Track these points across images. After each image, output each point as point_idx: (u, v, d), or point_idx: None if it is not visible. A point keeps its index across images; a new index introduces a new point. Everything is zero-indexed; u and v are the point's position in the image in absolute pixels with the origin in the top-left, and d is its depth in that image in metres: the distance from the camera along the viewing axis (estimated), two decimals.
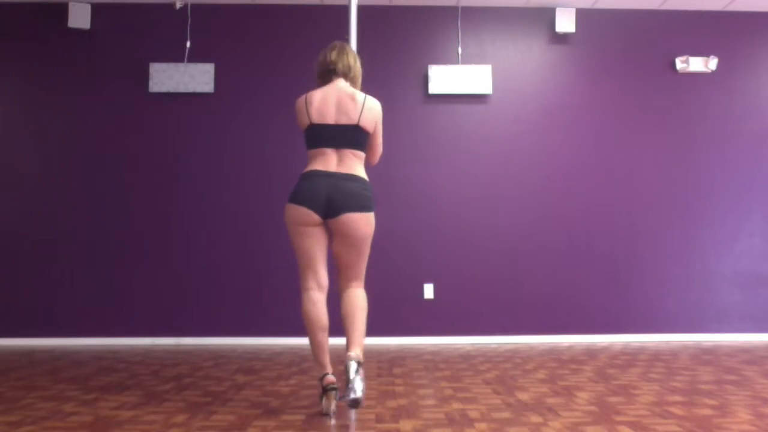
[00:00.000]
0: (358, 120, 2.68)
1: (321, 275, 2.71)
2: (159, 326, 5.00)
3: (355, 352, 2.54)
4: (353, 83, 2.81)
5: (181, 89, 5.10)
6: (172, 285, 5.04)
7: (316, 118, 2.68)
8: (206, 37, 5.23)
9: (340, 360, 4.12)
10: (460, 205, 5.15)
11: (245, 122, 5.18)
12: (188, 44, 5.19)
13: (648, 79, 5.30)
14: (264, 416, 2.60)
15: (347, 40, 3.16)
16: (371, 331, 4.99)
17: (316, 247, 2.66)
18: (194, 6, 5.24)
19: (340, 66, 2.77)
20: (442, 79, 5.14)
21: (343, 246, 2.67)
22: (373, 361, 4.06)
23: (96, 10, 5.19)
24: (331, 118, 2.68)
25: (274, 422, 2.50)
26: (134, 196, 5.10)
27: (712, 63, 5.23)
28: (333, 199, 2.59)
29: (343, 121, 2.68)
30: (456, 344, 4.91)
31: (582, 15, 5.31)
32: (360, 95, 2.72)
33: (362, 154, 2.72)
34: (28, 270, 5.02)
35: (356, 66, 2.82)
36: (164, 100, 5.17)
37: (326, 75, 2.79)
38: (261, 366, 3.89)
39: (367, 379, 3.44)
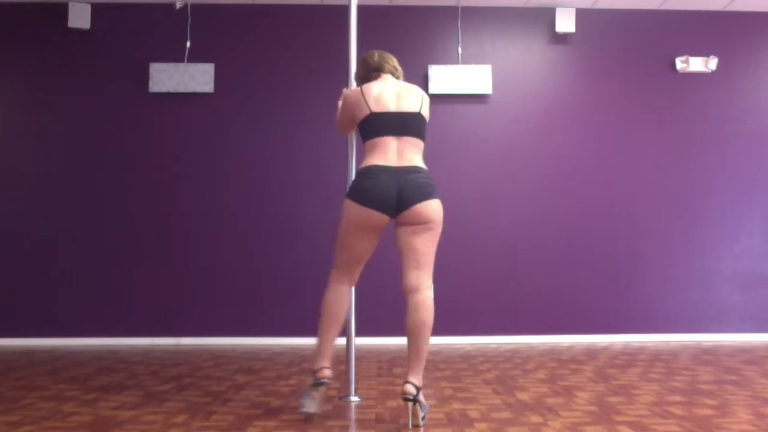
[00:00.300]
0: (420, 108, 2.66)
1: (357, 274, 2.69)
2: (159, 326, 5.00)
3: (413, 384, 2.41)
4: None
5: (181, 89, 5.10)
6: (172, 285, 5.04)
7: (376, 107, 2.62)
8: (206, 37, 5.23)
9: (340, 360, 4.12)
10: (460, 204, 5.15)
11: (245, 122, 5.18)
12: (188, 44, 5.19)
13: (648, 79, 5.30)
14: (264, 416, 2.60)
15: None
16: (371, 331, 4.99)
17: (368, 251, 2.62)
18: (194, 6, 5.24)
19: (386, 66, 2.79)
20: (442, 79, 5.14)
21: (415, 235, 2.54)
22: (373, 361, 4.06)
23: (96, 10, 5.19)
24: (393, 106, 2.63)
25: (274, 422, 2.50)
26: (134, 196, 5.10)
27: (712, 63, 5.23)
28: (402, 195, 2.51)
29: (405, 108, 2.64)
30: (456, 344, 4.91)
31: (582, 15, 5.31)
32: (417, 87, 2.73)
33: (422, 144, 2.66)
34: (28, 270, 5.02)
35: (400, 68, 2.86)
36: (164, 100, 5.17)
37: (373, 75, 2.79)
38: (261, 366, 3.89)
39: (366, 379, 3.45)
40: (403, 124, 2.61)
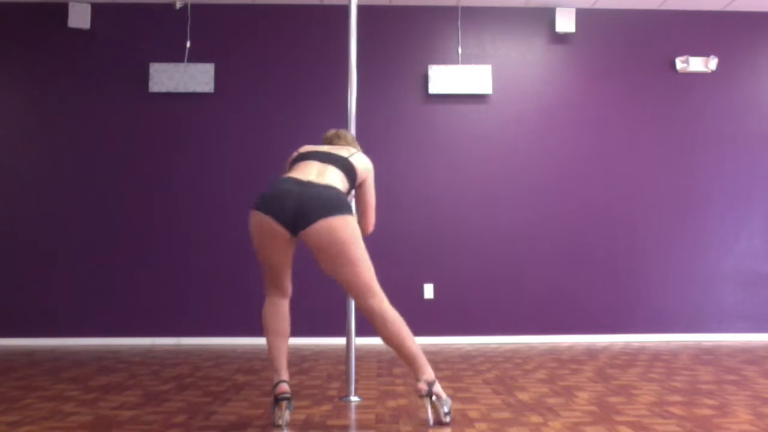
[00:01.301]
0: (349, 157, 2.62)
1: (284, 285, 2.55)
2: (159, 326, 5.00)
3: (422, 381, 2.41)
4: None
5: (181, 89, 5.10)
6: (172, 285, 5.04)
7: (304, 150, 2.65)
8: (206, 37, 5.23)
9: (340, 360, 4.12)
10: (460, 204, 5.15)
11: (245, 122, 5.18)
12: (188, 44, 5.19)
13: (648, 79, 5.30)
14: (263, 416, 2.60)
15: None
16: (372, 331, 4.99)
17: (282, 263, 2.47)
18: (194, 6, 5.24)
19: (334, 139, 2.86)
20: (442, 79, 5.14)
21: (328, 260, 2.38)
22: (373, 361, 4.06)
23: (96, 10, 5.19)
24: (320, 149, 2.65)
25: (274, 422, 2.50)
26: (134, 196, 5.10)
27: (712, 63, 5.23)
28: (304, 207, 2.33)
29: (334, 151, 2.64)
30: (456, 344, 4.91)
31: (582, 15, 5.31)
32: (357, 150, 2.72)
33: (347, 183, 2.56)
34: (29, 270, 5.02)
35: (352, 139, 2.90)
36: (164, 100, 5.17)
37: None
38: (261, 366, 3.89)
39: (366, 379, 3.45)
40: (330, 158, 2.58)
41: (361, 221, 2.83)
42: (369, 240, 5.04)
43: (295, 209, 2.35)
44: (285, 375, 2.48)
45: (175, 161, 5.14)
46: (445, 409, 2.44)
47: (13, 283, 5.01)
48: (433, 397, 2.42)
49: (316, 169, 2.53)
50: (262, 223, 2.38)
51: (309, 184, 2.40)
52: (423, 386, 2.41)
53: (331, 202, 2.35)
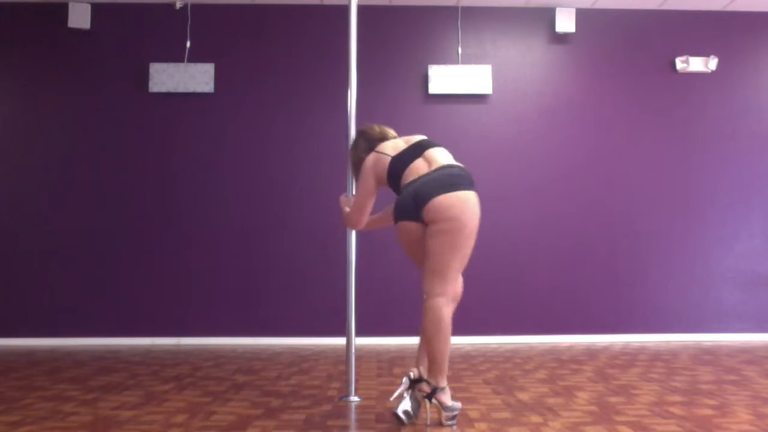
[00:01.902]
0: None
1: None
2: (159, 326, 5.00)
3: (428, 381, 2.48)
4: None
5: (181, 89, 5.10)
6: (172, 285, 5.04)
7: (394, 153, 2.68)
8: (206, 37, 5.22)
9: (340, 360, 4.11)
10: None
11: (245, 122, 5.18)
12: (188, 44, 5.19)
13: (648, 79, 5.30)
14: (264, 416, 2.60)
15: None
16: (371, 331, 4.98)
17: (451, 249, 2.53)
18: (194, 6, 5.24)
19: (389, 134, 2.86)
20: (442, 79, 5.14)
21: (430, 237, 2.49)
22: (373, 361, 4.06)
23: (96, 10, 5.19)
24: (404, 147, 2.70)
25: (274, 422, 2.50)
26: (134, 196, 5.10)
27: (712, 63, 5.23)
28: (418, 194, 2.48)
29: (414, 142, 2.71)
30: (456, 344, 4.91)
31: (582, 15, 5.31)
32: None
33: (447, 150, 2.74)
34: (28, 270, 5.02)
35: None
36: (164, 100, 5.17)
37: (380, 141, 2.83)
38: (261, 366, 3.89)
39: (366, 379, 3.45)
40: (420, 148, 2.65)
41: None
42: (369, 240, 5.04)
43: (413, 197, 2.54)
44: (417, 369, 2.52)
45: (174, 161, 5.14)
46: (446, 414, 2.45)
47: (13, 283, 5.01)
48: (433, 401, 2.44)
49: (423, 164, 2.62)
50: (402, 228, 2.60)
51: (425, 175, 2.53)
52: (426, 387, 2.44)
53: (451, 180, 2.51)
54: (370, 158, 2.73)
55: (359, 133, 2.89)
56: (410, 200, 2.49)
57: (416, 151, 2.64)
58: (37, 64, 5.17)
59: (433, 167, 2.55)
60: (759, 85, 5.31)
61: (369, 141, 2.82)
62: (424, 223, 2.52)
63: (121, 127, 5.15)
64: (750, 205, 5.22)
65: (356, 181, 2.87)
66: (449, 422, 2.45)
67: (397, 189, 2.65)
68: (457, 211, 2.44)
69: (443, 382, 2.46)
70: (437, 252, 2.47)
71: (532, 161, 5.21)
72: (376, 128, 2.86)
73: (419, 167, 2.58)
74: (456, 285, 2.59)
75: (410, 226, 2.53)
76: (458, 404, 2.51)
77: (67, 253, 5.03)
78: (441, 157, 2.61)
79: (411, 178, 2.55)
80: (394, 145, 2.71)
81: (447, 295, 2.51)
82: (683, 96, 5.29)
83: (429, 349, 2.47)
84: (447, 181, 2.47)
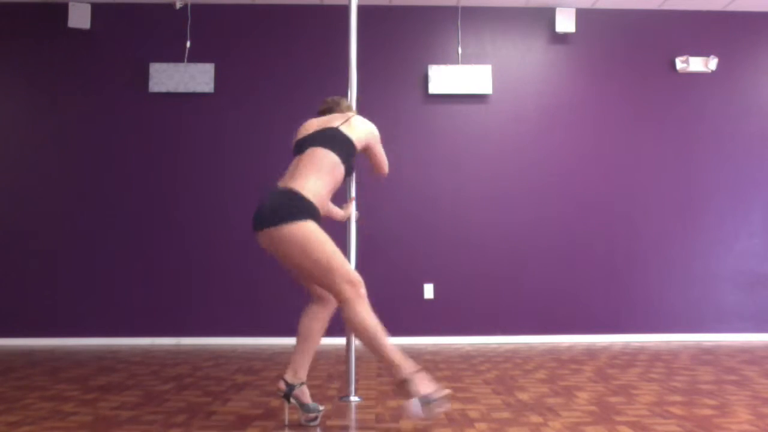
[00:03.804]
0: (340, 126, 2.55)
1: (312, 290, 2.56)
2: (159, 326, 5.00)
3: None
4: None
5: (181, 89, 5.10)
6: (172, 285, 5.04)
7: (299, 136, 2.61)
8: (206, 37, 5.22)
9: (340, 360, 4.12)
10: (460, 205, 5.15)
11: (245, 122, 5.18)
12: (188, 44, 5.19)
13: (648, 79, 5.30)
14: (264, 416, 2.60)
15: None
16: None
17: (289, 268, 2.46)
18: (194, 6, 5.24)
19: (334, 107, 2.78)
20: (442, 79, 5.14)
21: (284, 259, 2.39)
22: (373, 361, 4.06)
23: (96, 10, 5.19)
24: (311, 130, 2.59)
25: (274, 422, 2.50)
26: (134, 196, 5.10)
27: (712, 63, 5.23)
28: (255, 221, 2.39)
29: (326, 125, 2.57)
30: (456, 344, 4.91)
31: (582, 15, 5.31)
32: (352, 114, 2.67)
33: (328, 153, 2.45)
34: (29, 270, 5.02)
35: (347, 105, 2.83)
36: (164, 100, 5.17)
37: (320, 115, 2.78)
38: (261, 366, 3.89)
39: (366, 379, 3.45)
40: (312, 140, 2.51)
41: (375, 169, 2.81)
42: (370, 240, 5.04)
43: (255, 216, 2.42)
44: (287, 374, 2.49)
45: (175, 161, 5.14)
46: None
47: (13, 283, 5.01)
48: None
49: (294, 166, 2.50)
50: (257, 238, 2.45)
51: (272, 194, 2.39)
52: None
53: (277, 213, 2.31)
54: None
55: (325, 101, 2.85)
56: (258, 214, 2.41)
57: (297, 150, 2.56)
58: (37, 64, 5.17)
59: (286, 184, 2.41)
60: (759, 85, 5.31)
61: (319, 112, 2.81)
62: None
63: (121, 127, 5.15)
64: (750, 205, 5.22)
65: None
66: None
67: None
68: (284, 246, 2.33)
69: (404, 372, 2.23)
70: (303, 269, 2.39)
71: (532, 161, 5.21)
72: (325, 104, 2.79)
73: (290, 170, 2.51)
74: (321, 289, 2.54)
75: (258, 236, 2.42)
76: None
77: (67, 253, 5.03)
78: (302, 170, 2.43)
79: (282, 180, 2.48)
80: (306, 126, 2.63)
81: (345, 293, 2.32)
82: (683, 96, 5.29)
83: (370, 350, 2.34)
84: (278, 214, 2.31)
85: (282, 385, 2.47)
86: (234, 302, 5.03)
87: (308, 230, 2.32)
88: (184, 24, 5.21)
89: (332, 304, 2.57)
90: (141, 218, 5.08)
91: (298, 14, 5.26)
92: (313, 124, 2.62)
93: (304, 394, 2.48)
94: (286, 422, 2.48)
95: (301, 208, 2.33)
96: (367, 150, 2.71)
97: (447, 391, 2.29)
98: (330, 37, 5.23)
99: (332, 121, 2.60)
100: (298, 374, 2.49)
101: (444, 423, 2.46)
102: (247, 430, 2.38)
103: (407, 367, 2.24)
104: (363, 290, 2.33)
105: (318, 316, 2.55)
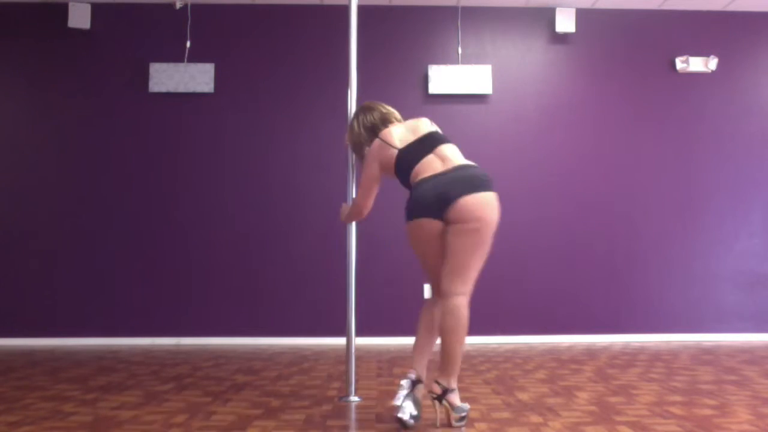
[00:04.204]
0: (432, 128, 2.72)
1: (436, 283, 2.64)
2: (159, 326, 5.00)
3: (440, 382, 2.48)
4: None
5: (181, 89, 5.10)
6: (172, 285, 5.03)
7: (401, 145, 2.64)
8: (206, 37, 5.22)
9: (340, 360, 4.11)
10: None
11: (245, 122, 5.18)
12: (188, 44, 5.19)
13: (648, 79, 5.30)
14: (264, 416, 2.60)
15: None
16: (371, 331, 4.97)
17: (433, 251, 2.55)
18: (194, 6, 5.24)
19: (392, 116, 2.83)
20: (442, 79, 5.14)
21: (454, 235, 2.46)
22: (373, 361, 4.06)
23: (96, 10, 5.19)
24: (412, 138, 2.65)
25: (274, 422, 2.50)
26: (134, 196, 5.10)
27: (712, 63, 5.23)
28: (443, 193, 2.44)
29: (422, 133, 2.67)
30: None
31: (582, 15, 5.31)
32: (422, 119, 2.78)
33: (456, 147, 2.69)
34: (29, 270, 5.02)
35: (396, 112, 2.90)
36: (164, 100, 5.17)
37: (382, 126, 2.80)
38: (261, 366, 3.89)
39: (366, 379, 3.45)
40: (431, 143, 2.61)
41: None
42: (370, 240, 5.03)
43: (437, 196, 2.48)
44: (416, 372, 2.51)
45: (174, 161, 5.14)
46: (456, 416, 2.43)
47: (13, 283, 5.01)
48: (444, 402, 2.43)
49: (436, 159, 2.57)
50: (415, 227, 2.54)
51: (445, 173, 2.49)
52: (437, 388, 2.44)
53: (473, 181, 2.47)
54: (375, 145, 2.70)
55: (360, 110, 2.84)
56: (432, 198, 2.45)
57: (426, 145, 2.60)
58: (37, 64, 5.17)
59: (449, 166, 2.51)
60: (759, 85, 5.31)
61: (371, 125, 2.79)
62: (444, 222, 2.47)
63: (121, 127, 5.15)
64: (750, 205, 5.22)
65: (357, 158, 2.86)
66: (458, 423, 2.44)
67: (405, 182, 2.63)
68: (483, 212, 2.43)
69: (455, 383, 2.46)
70: (461, 251, 2.45)
71: (532, 161, 5.21)
72: (377, 111, 2.82)
73: (433, 164, 2.54)
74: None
75: (429, 223, 2.48)
76: (467, 405, 2.48)
77: (67, 253, 5.03)
78: (455, 155, 2.58)
79: (425, 175, 2.51)
80: (399, 136, 2.66)
81: (467, 295, 2.49)
82: (683, 96, 5.29)
83: (446, 349, 2.43)
84: (472, 182, 2.44)
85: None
86: (234, 302, 5.03)
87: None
88: (184, 24, 5.21)
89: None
90: (141, 218, 5.08)
91: (298, 14, 5.26)
92: (412, 127, 2.70)
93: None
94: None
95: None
96: None
97: (468, 409, 2.47)
98: (330, 37, 5.22)
99: (423, 124, 2.71)
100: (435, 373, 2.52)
101: (444, 423, 2.46)
102: (247, 430, 2.38)
103: (455, 381, 2.46)
104: None
105: (436, 311, 2.60)
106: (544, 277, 5.11)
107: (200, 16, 5.23)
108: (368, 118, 2.81)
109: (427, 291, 5.06)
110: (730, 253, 5.18)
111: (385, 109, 2.85)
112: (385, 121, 2.80)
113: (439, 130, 2.72)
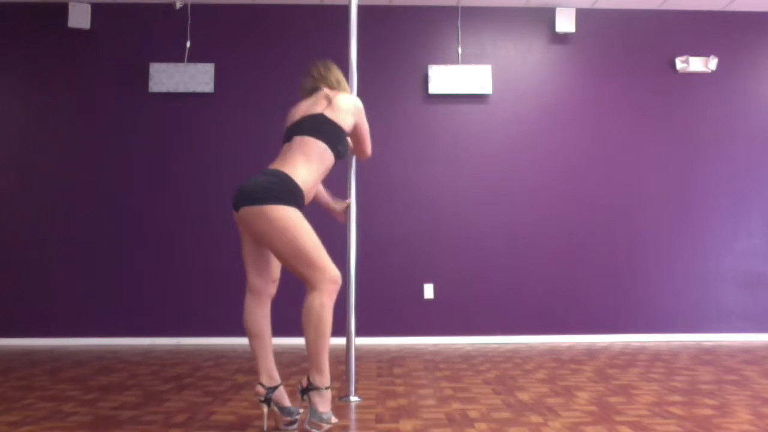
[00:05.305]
0: (323, 110, 2.50)
1: (252, 278, 2.53)
2: (159, 326, 5.00)
3: (306, 378, 2.31)
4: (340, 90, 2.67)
5: (181, 89, 5.10)
6: (172, 285, 5.04)
7: (287, 123, 2.59)
8: (206, 37, 5.22)
9: (340, 360, 4.12)
10: (460, 205, 5.15)
11: (245, 122, 5.18)
12: (188, 44, 5.19)
13: (648, 79, 5.30)
14: (263, 416, 2.59)
15: None
16: (371, 331, 4.98)
17: (245, 248, 2.46)
18: (194, 6, 5.24)
19: (321, 83, 2.66)
20: (442, 79, 5.14)
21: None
22: (373, 361, 4.06)
23: (96, 10, 5.19)
24: (297, 116, 2.55)
25: (274, 422, 2.50)
26: (134, 196, 5.10)
27: (712, 63, 5.23)
28: (238, 195, 2.37)
29: (309, 112, 2.52)
30: (456, 344, 4.91)
31: (582, 15, 5.31)
32: (335, 93, 2.58)
33: (316, 142, 2.43)
34: (29, 270, 5.02)
35: (336, 77, 2.70)
36: (164, 100, 5.17)
37: (306, 95, 2.69)
38: None
39: (366, 379, 3.44)
40: (298, 128, 2.48)
41: (358, 151, 2.83)
42: (370, 240, 5.03)
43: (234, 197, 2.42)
44: (262, 376, 2.42)
45: (175, 161, 5.14)
46: (314, 419, 2.25)
47: (13, 283, 5.01)
48: (305, 399, 2.30)
49: (282, 153, 2.50)
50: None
51: (259, 173, 2.42)
52: (305, 382, 2.30)
53: (256, 192, 2.30)
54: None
55: (308, 69, 2.70)
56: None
57: (290, 133, 2.51)
58: (37, 64, 5.17)
59: (272, 166, 2.43)
60: (759, 85, 5.31)
61: (304, 91, 2.68)
62: None
63: (121, 127, 5.15)
64: (750, 205, 5.22)
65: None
66: (308, 425, 2.25)
67: None
68: (254, 226, 2.32)
69: (320, 382, 2.29)
70: (279, 254, 2.41)
71: (532, 161, 5.21)
72: (310, 79, 2.67)
73: (277, 157, 2.50)
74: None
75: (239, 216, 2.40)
76: (328, 413, 2.28)
77: (67, 253, 5.03)
78: (286, 155, 2.45)
79: (272, 164, 2.46)
80: (292, 114, 2.59)
81: (312, 282, 2.38)
82: (683, 96, 5.29)
83: (309, 346, 2.33)
84: (250, 194, 2.32)
85: (261, 390, 2.35)
86: (234, 302, 5.03)
87: (295, 216, 2.30)
88: (184, 24, 5.21)
89: (268, 297, 2.59)
90: (141, 218, 5.08)
91: (298, 14, 5.26)
92: (300, 109, 2.58)
93: (284, 396, 2.42)
94: (265, 428, 2.39)
95: (287, 190, 2.32)
96: (354, 130, 2.67)
97: (335, 421, 2.31)
98: (330, 37, 5.23)
99: (317, 105, 2.54)
100: (274, 376, 2.43)
101: (444, 423, 2.46)
102: (247, 430, 2.38)
103: (327, 380, 2.30)
104: (338, 287, 2.35)
105: (264, 313, 2.59)
106: (544, 277, 5.11)
107: (200, 16, 5.23)
108: (305, 83, 2.70)
109: (427, 291, 5.06)
110: (730, 253, 5.18)
111: (319, 74, 2.66)
112: (312, 91, 2.65)
113: (327, 113, 2.49)
